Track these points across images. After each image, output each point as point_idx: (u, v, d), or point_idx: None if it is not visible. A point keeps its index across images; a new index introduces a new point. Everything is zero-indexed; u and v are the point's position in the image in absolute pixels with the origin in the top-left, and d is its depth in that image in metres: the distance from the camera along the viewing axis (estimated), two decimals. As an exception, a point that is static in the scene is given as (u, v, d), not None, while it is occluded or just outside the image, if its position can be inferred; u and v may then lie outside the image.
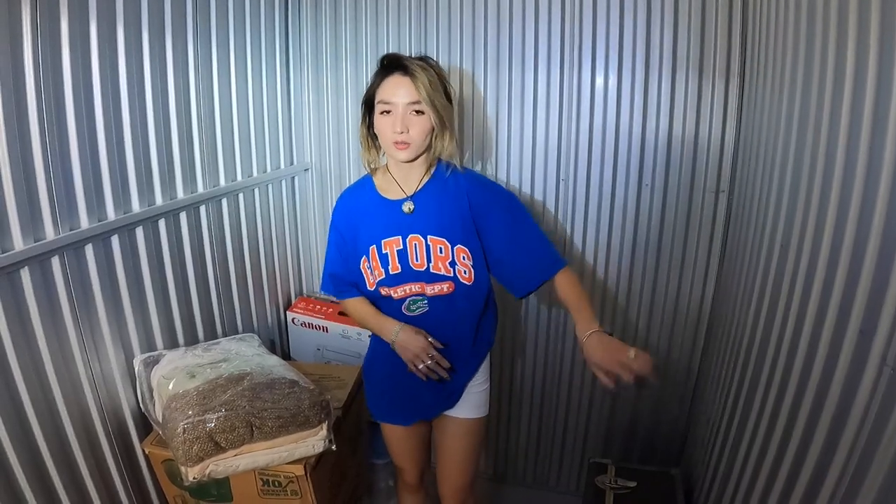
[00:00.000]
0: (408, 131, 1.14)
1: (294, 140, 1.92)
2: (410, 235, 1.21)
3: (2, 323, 0.99)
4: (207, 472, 1.14)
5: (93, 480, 1.19)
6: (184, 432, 1.10)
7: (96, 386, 1.20)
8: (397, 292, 1.24)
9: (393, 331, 1.24)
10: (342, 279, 1.32)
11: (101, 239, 1.19)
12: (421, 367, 1.21)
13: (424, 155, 1.22)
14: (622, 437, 1.90)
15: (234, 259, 1.65)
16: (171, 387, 1.21)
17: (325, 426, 1.24)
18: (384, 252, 1.22)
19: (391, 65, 1.16)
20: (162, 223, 1.37)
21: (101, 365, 1.22)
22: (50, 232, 1.08)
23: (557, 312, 1.83)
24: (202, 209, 1.50)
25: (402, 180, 1.24)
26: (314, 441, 1.23)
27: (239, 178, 1.65)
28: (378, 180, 1.28)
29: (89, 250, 1.17)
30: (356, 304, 1.32)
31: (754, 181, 1.31)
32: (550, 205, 1.74)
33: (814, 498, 0.84)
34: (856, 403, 0.76)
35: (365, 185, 1.30)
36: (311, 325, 1.86)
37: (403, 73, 1.14)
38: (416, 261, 1.21)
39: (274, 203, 1.83)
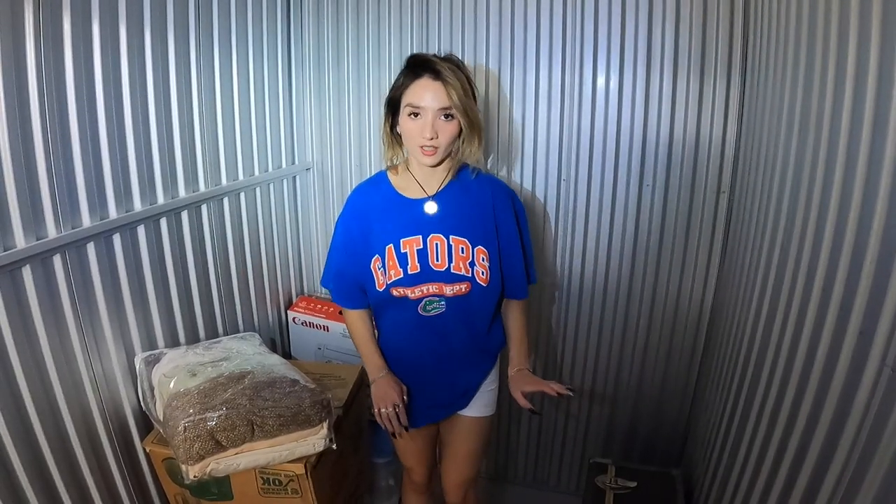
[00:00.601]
0: (437, 136, 1.12)
1: (295, 139, 1.92)
2: (432, 235, 1.21)
3: (4, 321, 1.00)
4: (208, 470, 1.14)
5: (93, 478, 1.19)
6: (185, 430, 1.10)
7: (97, 384, 1.21)
8: (414, 292, 1.22)
9: (378, 370, 1.29)
10: (347, 278, 1.29)
11: (102, 237, 1.19)
12: (384, 411, 1.24)
13: (449, 157, 1.21)
14: (622, 437, 1.91)
15: (235, 258, 1.65)
16: (172, 385, 1.21)
17: (325, 425, 1.24)
18: (403, 251, 1.21)
19: (421, 67, 1.13)
20: (164, 222, 1.37)
21: (103, 363, 1.22)
22: (52, 230, 1.08)
23: (557, 312, 1.83)
24: (204, 208, 1.51)
25: (423, 180, 1.24)
26: (315, 440, 1.23)
27: (240, 177, 1.65)
28: (396, 178, 1.26)
29: (91, 249, 1.17)
30: (356, 321, 1.32)
31: (755, 182, 1.31)
32: (551, 204, 1.74)
33: (813, 498, 0.84)
34: (855, 404, 0.76)
35: (380, 183, 1.27)
36: (311, 325, 1.87)
37: (434, 78, 1.11)
38: (437, 261, 1.21)
39: (275, 202, 1.84)
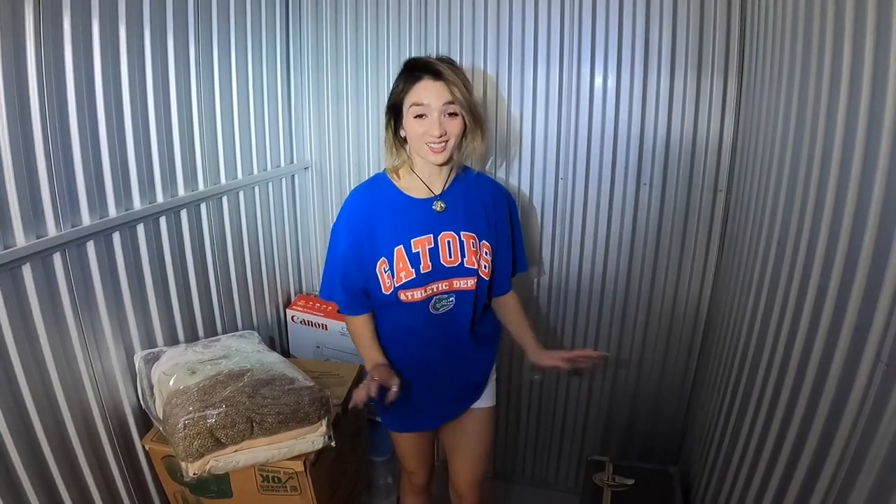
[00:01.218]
0: (445, 133, 1.14)
1: (294, 138, 1.92)
2: (443, 233, 1.22)
3: (4, 319, 1.00)
4: (208, 467, 1.15)
5: (93, 476, 1.19)
6: (184, 428, 1.11)
7: (97, 382, 1.21)
8: (426, 291, 1.22)
9: (375, 361, 1.26)
10: (355, 286, 1.26)
11: (102, 236, 1.20)
12: (372, 383, 1.16)
13: (454, 155, 1.22)
14: (620, 434, 1.91)
15: (234, 256, 1.66)
16: (171, 383, 1.21)
17: (324, 422, 1.24)
18: (414, 251, 1.21)
19: (420, 69, 1.14)
20: (163, 220, 1.37)
21: (102, 361, 1.23)
22: (52, 228, 1.09)
23: (556, 312, 1.84)
24: (203, 207, 1.51)
25: (428, 180, 1.24)
26: (314, 437, 1.24)
27: (239, 176, 1.66)
28: (399, 180, 1.25)
29: (91, 247, 1.18)
30: (361, 326, 1.30)
31: (752, 180, 1.31)
32: (549, 203, 1.74)
33: (809, 493, 0.85)
34: (851, 399, 0.77)
35: (382, 185, 1.26)
36: (310, 323, 1.87)
37: (435, 78, 1.13)
38: (450, 257, 1.23)
39: (274, 201, 1.84)
